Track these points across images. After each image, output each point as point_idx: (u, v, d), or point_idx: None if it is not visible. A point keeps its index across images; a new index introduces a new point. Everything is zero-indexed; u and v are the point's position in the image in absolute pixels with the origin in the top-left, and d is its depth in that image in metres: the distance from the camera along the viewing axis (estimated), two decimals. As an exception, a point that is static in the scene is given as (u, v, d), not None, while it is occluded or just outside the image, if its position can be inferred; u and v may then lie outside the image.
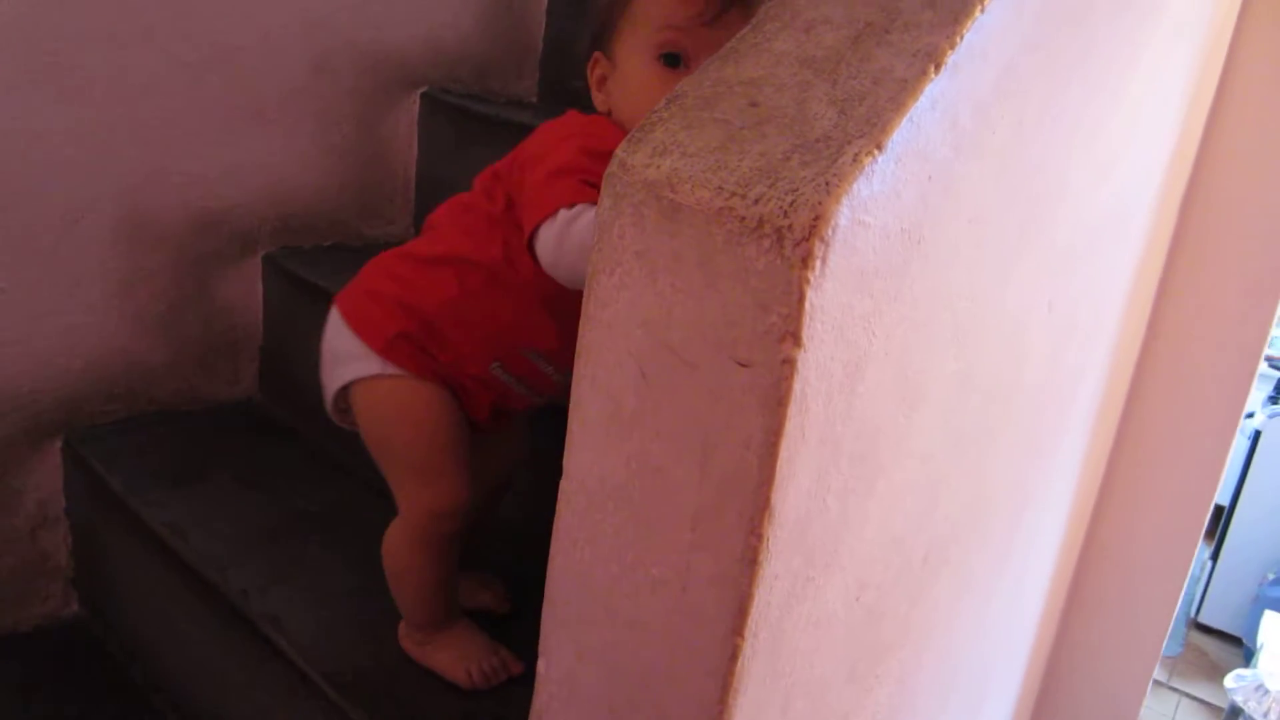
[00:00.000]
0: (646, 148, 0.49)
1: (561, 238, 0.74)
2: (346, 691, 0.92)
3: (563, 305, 0.83)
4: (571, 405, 0.54)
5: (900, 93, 0.48)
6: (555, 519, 0.57)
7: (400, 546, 0.92)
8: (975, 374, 0.69)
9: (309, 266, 1.36)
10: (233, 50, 1.28)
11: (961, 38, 0.51)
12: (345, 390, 0.90)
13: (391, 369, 0.87)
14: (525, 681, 0.73)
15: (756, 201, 0.44)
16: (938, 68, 0.50)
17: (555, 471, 0.55)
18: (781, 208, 0.43)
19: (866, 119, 0.47)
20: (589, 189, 0.74)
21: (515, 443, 1.03)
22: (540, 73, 1.64)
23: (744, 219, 0.44)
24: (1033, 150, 0.66)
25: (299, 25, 1.32)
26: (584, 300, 0.52)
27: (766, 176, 0.45)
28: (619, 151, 0.49)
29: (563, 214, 0.73)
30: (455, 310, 0.86)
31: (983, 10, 0.53)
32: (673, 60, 0.81)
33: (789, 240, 0.43)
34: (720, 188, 0.45)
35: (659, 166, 0.47)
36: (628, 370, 0.50)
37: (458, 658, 0.94)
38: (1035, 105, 0.63)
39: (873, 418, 0.54)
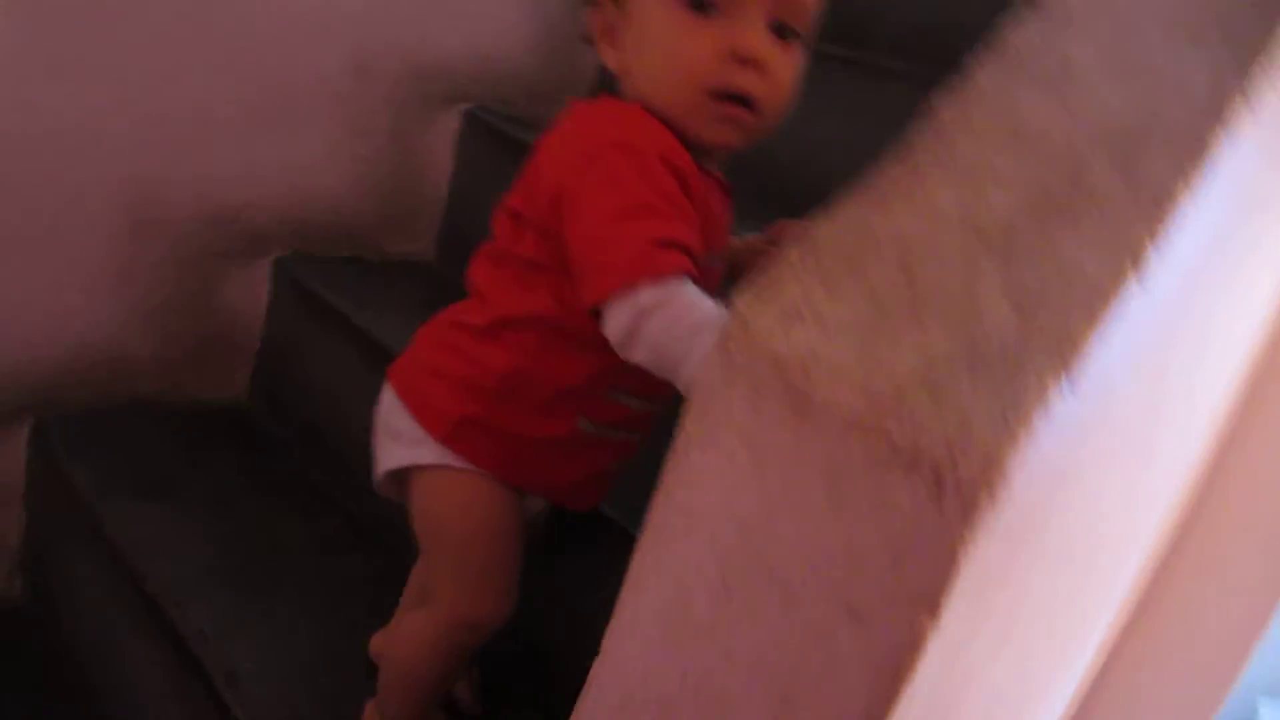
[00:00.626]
0: (775, 308, 0.40)
1: (637, 325, 0.62)
2: (294, 779, 0.82)
3: None
4: (628, 580, 0.45)
5: (1093, 301, 0.39)
6: (578, 702, 0.48)
7: (421, 646, 0.80)
8: (1059, 601, 0.60)
9: (321, 277, 1.27)
10: (265, 41, 1.18)
11: (1164, 229, 0.42)
12: (399, 471, 0.79)
13: (454, 460, 0.76)
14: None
15: (913, 423, 0.35)
16: (1136, 266, 0.41)
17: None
18: (945, 439, 0.34)
19: (1053, 331, 0.38)
20: (663, 253, 0.62)
21: None
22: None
23: (895, 443, 0.35)
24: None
25: (341, 23, 1.23)
26: (665, 468, 0.43)
27: (928, 389, 0.36)
28: (739, 305, 0.40)
29: (643, 295, 0.61)
30: (521, 377, 0.74)
31: (1188, 190, 0.44)
32: (702, 4, 0.67)
33: (950, 485, 0.34)
34: (867, 390, 0.36)
35: (790, 339, 0.38)
36: (706, 571, 0.41)
37: None
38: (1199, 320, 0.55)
39: (967, 669, 0.45)
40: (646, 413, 0.78)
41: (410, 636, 0.82)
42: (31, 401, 1.17)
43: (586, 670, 0.47)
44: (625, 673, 0.45)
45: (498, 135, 1.35)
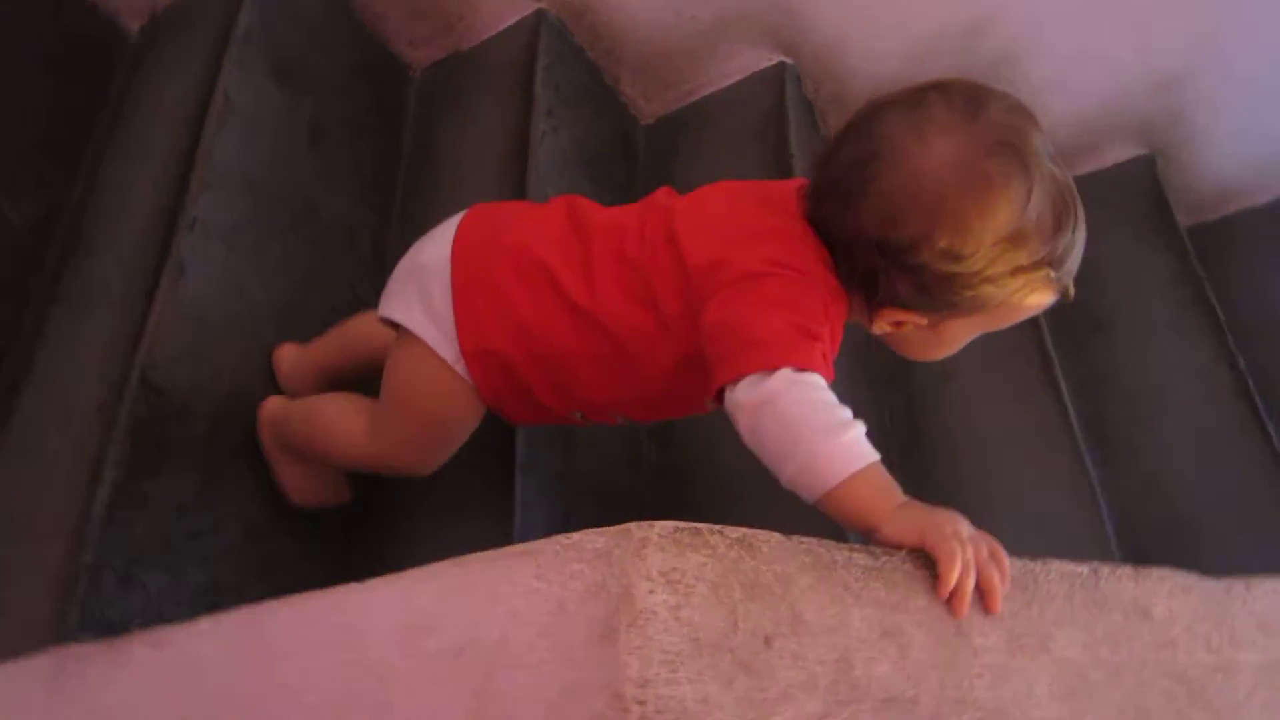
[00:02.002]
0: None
1: (763, 405, 0.66)
2: None
3: (677, 393, 0.81)
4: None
5: None
6: None
7: (341, 440, 0.93)
8: None
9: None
10: None
11: None
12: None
13: (461, 370, 0.83)
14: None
15: None
16: None
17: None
18: None
19: None
20: (809, 343, 0.68)
21: None
22: None
23: None
24: None
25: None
26: None
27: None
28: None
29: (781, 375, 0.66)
30: (571, 365, 0.81)
31: None
32: None
33: None
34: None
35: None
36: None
37: (304, 483, 0.98)
38: None
39: None
40: (615, 422, 0.92)
41: (349, 429, 0.93)
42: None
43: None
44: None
45: None
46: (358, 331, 1.02)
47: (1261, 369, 1.58)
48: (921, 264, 0.69)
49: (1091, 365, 1.54)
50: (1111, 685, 0.58)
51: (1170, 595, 0.64)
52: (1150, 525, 1.40)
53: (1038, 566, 0.60)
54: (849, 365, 1.13)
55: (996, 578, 0.56)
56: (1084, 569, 0.62)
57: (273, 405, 1.00)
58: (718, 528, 0.52)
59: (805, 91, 1.56)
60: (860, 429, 0.65)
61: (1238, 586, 0.67)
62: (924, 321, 0.74)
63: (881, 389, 1.40)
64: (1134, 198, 1.65)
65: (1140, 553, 1.37)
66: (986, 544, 0.57)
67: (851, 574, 0.54)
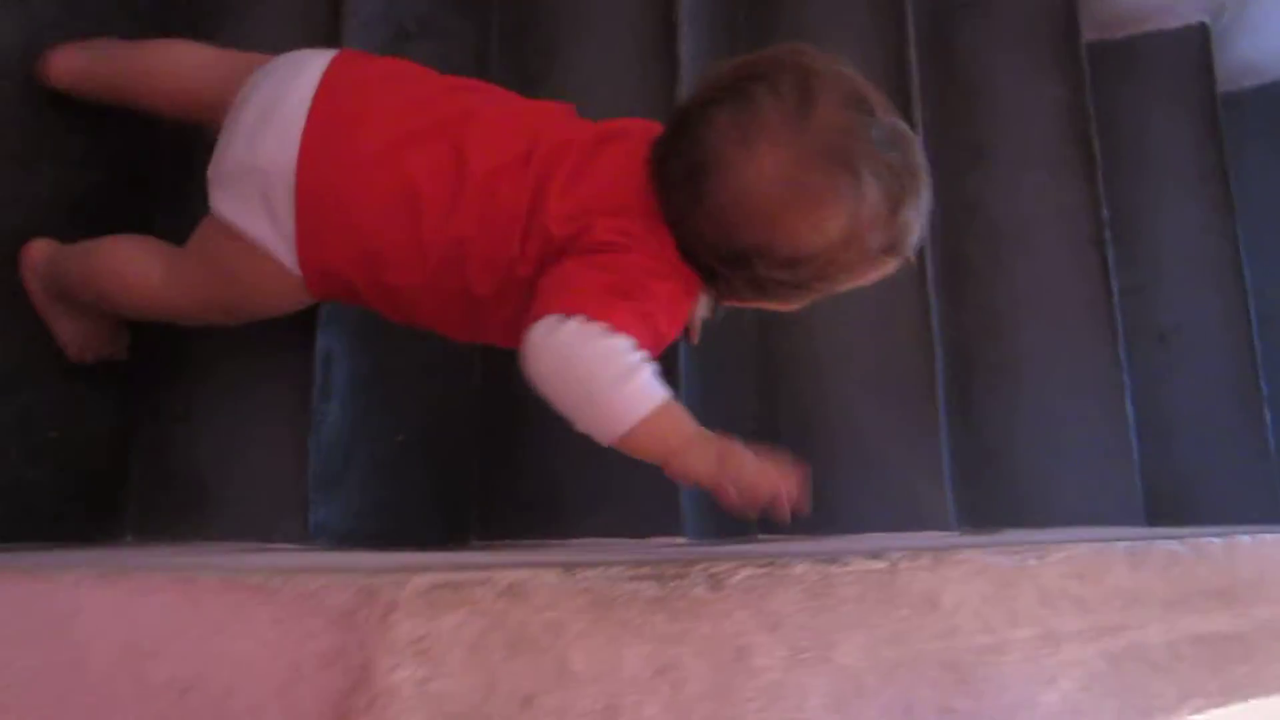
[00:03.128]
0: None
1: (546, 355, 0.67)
2: None
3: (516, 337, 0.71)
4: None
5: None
6: None
7: (147, 292, 0.82)
8: None
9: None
10: None
11: None
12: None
13: (295, 272, 0.75)
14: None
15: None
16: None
17: None
18: None
19: None
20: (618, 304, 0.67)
21: None
22: None
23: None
24: None
25: None
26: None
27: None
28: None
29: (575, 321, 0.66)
30: (421, 296, 0.76)
31: None
32: None
33: None
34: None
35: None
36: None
37: (82, 336, 0.87)
38: None
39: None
40: None
41: (128, 273, 0.82)
42: None
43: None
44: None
45: None
46: (164, 66, 0.87)
47: (1126, 208, 1.58)
48: (758, 274, 0.69)
49: (963, 194, 1.49)
50: (884, 685, 0.58)
51: (963, 580, 0.64)
52: (981, 364, 1.44)
53: (835, 569, 0.58)
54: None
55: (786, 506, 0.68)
56: (884, 564, 0.60)
57: (40, 249, 0.86)
58: (486, 575, 0.46)
59: None
60: (646, 372, 0.67)
61: (1029, 560, 0.67)
62: (764, 304, 0.77)
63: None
64: (1043, 16, 1.53)
65: (966, 393, 1.41)
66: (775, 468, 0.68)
67: (633, 609, 0.50)
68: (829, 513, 1.17)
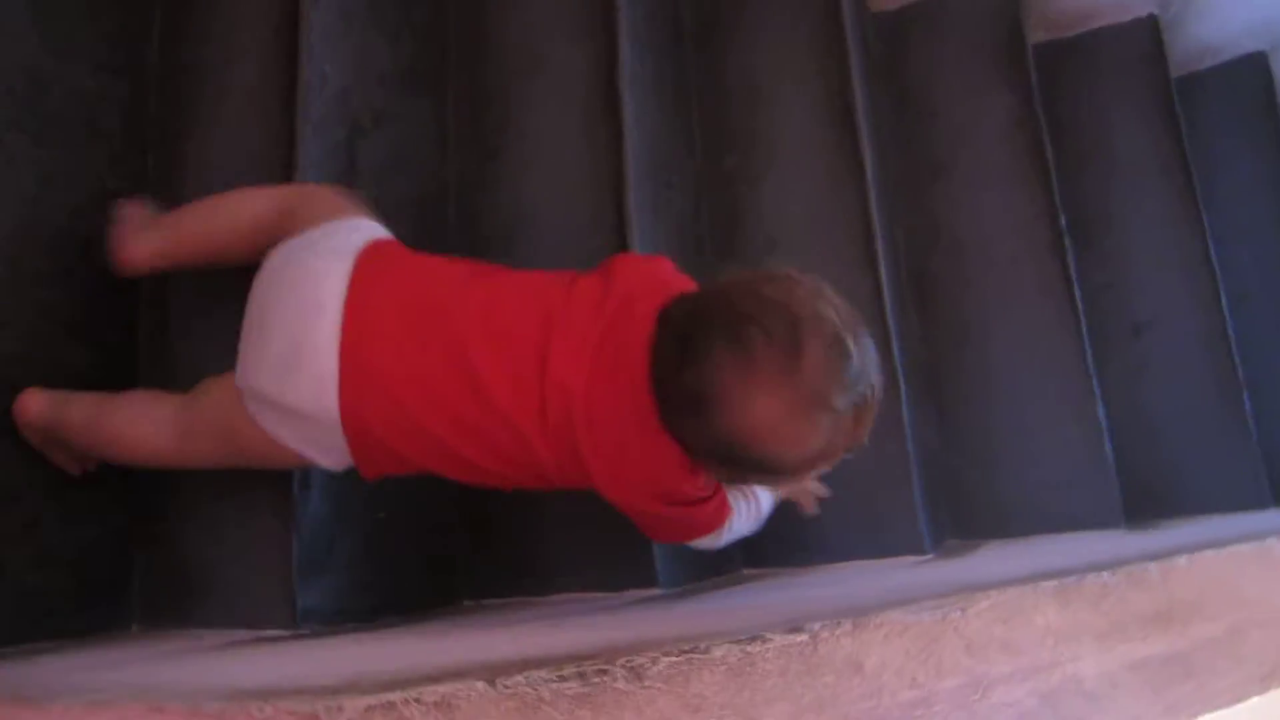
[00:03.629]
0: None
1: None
2: None
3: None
4: None
5: None
6: None
7: (157, 453, 0.89)
8: None
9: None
10: None
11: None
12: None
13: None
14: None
15: None
16: None
17: None
18: None
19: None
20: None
21: None
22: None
23: None
24: None
25: None
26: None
27: None
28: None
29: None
30: (467, 467, 0.87)
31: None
32: None
33: None
34: None
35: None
36: None
37: (80, 458, 0.93)
38: None
39: None
40: None
41: (137, 436, 0.89)
42: None
43: None
44: None
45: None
46: (224, 228, 0.94)
47: (1092, 206, 1.61)
48: (742, 474, 0.88)
49: (925, 212, 1.53)
50: (811, 749, 0.63)
51: (885, 641, 0.68)
52: (952, 375, 1.48)
53: (754, 647, 0.62)
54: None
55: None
56: (804, 637, 0.64)
57: (38, 406, 0.90)
58: (415, 694, 0.51)
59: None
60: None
61: (953, 614, 0.71)
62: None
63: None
64: (988, 27, 1.55)
65: (938, 405, 1.45)
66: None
67: (559, 709, 0.55)
68: (802, 542, 1.22)
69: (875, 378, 0.80)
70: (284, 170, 1.01)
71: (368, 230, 0.90)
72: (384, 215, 1.06)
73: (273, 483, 0.95)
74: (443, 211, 1.22)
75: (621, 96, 1.16)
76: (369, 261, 0.84)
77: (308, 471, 0.95)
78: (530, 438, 0.81)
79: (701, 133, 1.41)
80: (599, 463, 0.82)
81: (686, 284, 0.89)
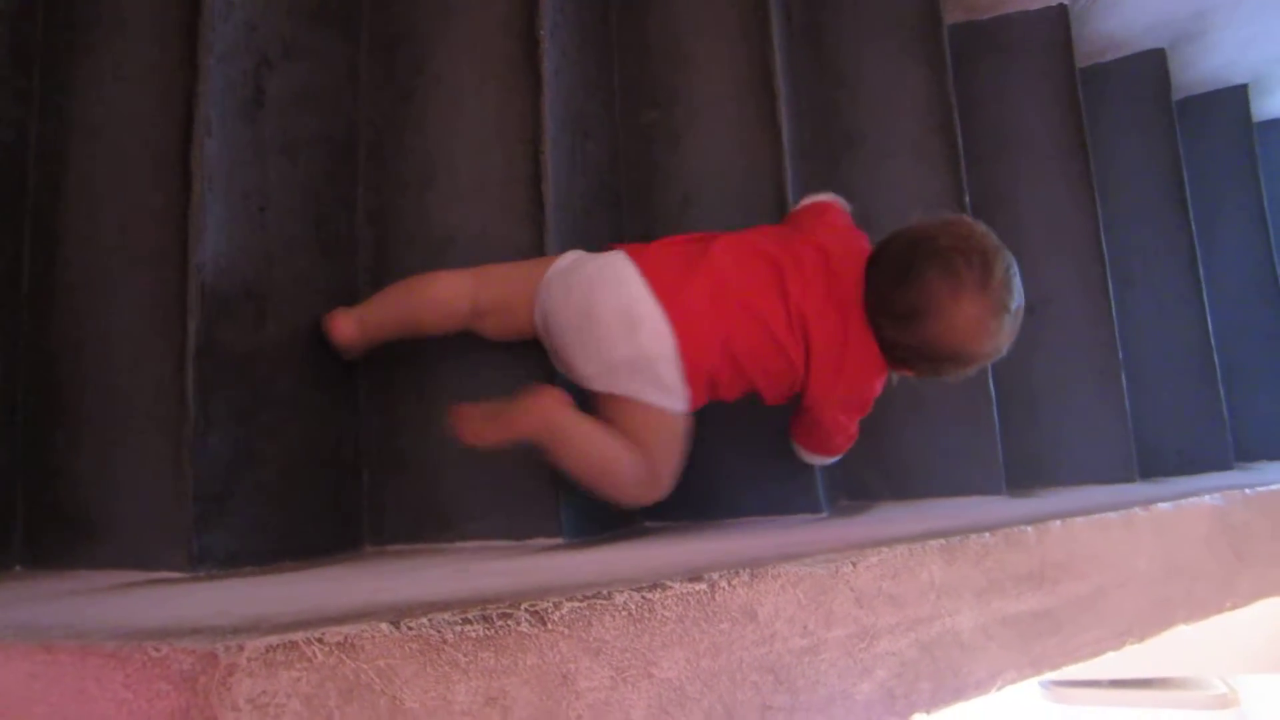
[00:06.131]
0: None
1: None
2: None
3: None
4: None
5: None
6: None
7: (633, 480, 1.05)
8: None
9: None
10: None
11: None
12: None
13: (685, 407, 1.07)
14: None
15: None
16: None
17: None
18: None
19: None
20: None
21: None
22: None
23: None
24: None
25: None
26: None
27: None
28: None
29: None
30: (760, 378, 1.10)
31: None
32: None
33: None
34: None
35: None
36: None
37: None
38: None
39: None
40: None
41: (621, 464, 1.04)
42: None
43: None
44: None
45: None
46: (426, 308, 1.10)
47: (995, 185, 1.67)
48: (940, 368, 1.09)
49: (837, 182, 1.56)
50: (705, 692, 0.65)
51: (780, 591, 0.71)
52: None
53: (655, 595, 0.64)
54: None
55: None
56: (703, 585, 0.67)
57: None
58: (317, 634, 0.52)
59: None
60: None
61: (844, 567, 0.75)
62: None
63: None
64: (908, 2, 1.58)
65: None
66: None
67: (462, 650, 0.56)
68: (706, 498, 1.25)
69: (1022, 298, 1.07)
70: (185, 100, 0.97)
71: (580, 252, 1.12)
72: (291, 152, 1.03)
73: (170, 421, 0.92)
74: (351, 151, 1.19)
75: (542, 45, 1.15)
76: (626, 249, 1.08)
77: (206, 410, 0.93)
78: (794, 359, 1.06)
79: (622, 87, 1.41)
80: (825, 362, 1.07)
81: (852, 226, 1.18)
